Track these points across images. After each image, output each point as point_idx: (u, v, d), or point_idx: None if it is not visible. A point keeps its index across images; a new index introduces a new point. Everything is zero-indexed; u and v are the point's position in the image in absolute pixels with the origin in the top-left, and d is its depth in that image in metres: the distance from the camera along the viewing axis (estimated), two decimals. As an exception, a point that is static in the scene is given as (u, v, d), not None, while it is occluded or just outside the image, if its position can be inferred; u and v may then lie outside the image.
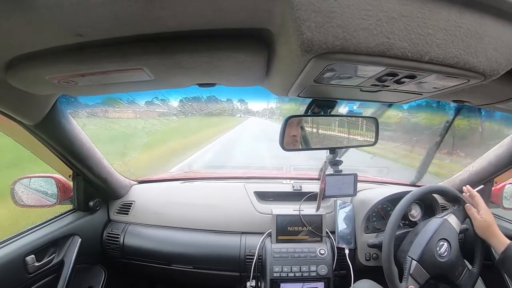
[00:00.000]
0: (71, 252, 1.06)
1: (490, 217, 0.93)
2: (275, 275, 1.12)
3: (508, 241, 0.89)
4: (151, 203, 1.33)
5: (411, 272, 0.91)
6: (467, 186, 1.00)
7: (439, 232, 0.95)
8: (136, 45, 0.50)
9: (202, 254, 1.20)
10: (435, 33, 0.39)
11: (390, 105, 1.08)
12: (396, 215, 0.97)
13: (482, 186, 1.03)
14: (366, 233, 1.20)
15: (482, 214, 0.94)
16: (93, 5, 0.38)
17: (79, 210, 1.18)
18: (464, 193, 1.01)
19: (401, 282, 0.91)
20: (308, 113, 0.82)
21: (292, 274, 1.12)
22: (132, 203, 1.31)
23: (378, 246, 1.09)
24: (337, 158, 1.02)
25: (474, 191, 0.98)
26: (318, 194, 1.12)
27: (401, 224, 1.20)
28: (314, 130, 0.92)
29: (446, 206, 1.29)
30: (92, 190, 1.18)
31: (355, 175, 1.22)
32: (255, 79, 0.67)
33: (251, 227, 1.24)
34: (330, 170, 1.21)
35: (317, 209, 1.17)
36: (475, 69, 0.45)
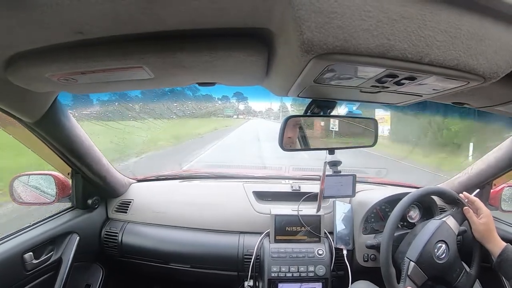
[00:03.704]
0: (69, 250, 1.06)
1: (490, 222, 0.93)
2: (273, 275, 1.12)
3: (504, 244, 0.89)
4: (150, 201, 1.33)
5: (408, 273, 0.91)
6: (464, 193, 1.00)
7: (438, 234, 0.95)
8: (136, 44, 0.50)
9: (200, 253, 1.20)
10: (435, 35, 0.39)
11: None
12: (395, 216, 0.97)
13: (478, 190, 1.03)
14: (364, 234, 1.20)
15: (482, 218, 0.94)
16: (93, 3, 0.38)
17: (78, 208, 1.18)
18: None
19: (398, 283, 0.91)
20: (308, 114, 0.82)
21: (290, 274, 1.12)
22: (130, 202, 1.31)
23: (376, 247, 1.09)
24: (337, 159, 1.02)
25: (472, 197, 0.98)
26: (319, 195, 1.12)
27: (400, 226, 1.20)
28: (314, 130, 0.92)
29: (444, 208, 1.29)
30: (90, 188, 1.18)
31: (354, 176, 1.22)
32: (255, 78, 0.67)
33: (249, 226, 1.24)
34: (328, 171, 1.21)
35: (318, 209, 1.18)
36: (475, 71, 0.45)
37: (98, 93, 0.95)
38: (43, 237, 0.98)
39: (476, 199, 0.97)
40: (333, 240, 1.20)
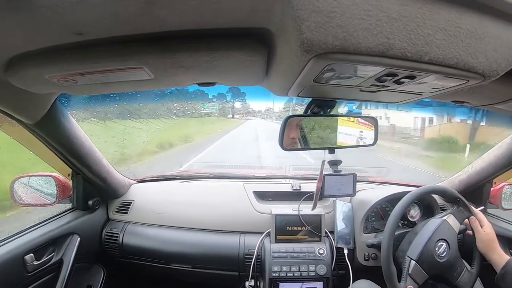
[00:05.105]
0: (70, 251, 1.06)
1: (492, 233, 0.96)
2: (274, 274, 1.12)
3: (508, 257, 0.91)
4: (150, 202, 1.33)
5: (409, 272, 0.91)
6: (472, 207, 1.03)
7: (438, 233, 0.95)
8: (136, 44, 0.50)
9: (201, 253, 1.20)
10: (435, 34, 0.39)
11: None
12: (395, 215, 0.97)
13: (483, 207, 1.07)
14: (365, 233, 1.20)
15: (485, 229, 0.97)
16: (93, 4, 0.38)
17: (78, 209, 1.18)
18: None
19: (399, 282, 0.91)
20: (308, 113, 0.82)
21: (291, 274, 1.12)
22: (131, 202, 1.31)
23: (377, 246, 1.09)
24: (336, 158, 1.02)
25: (476, 209, 1.02)
26: (315, 193, 1.12)
27: (400, 224, 1.20)
28: (314, 130, 0.92)
29: (445, 207, 1.29)
30: (91, 189, 1.18)
31: (354, 175, 1.22)
32: (255, 78, 0.67)
33: (250, 226, 1.24)
34: (329, 170, 1.21)
35: (313, 207, 1.17)
36: (475, 69, 0.45)
37: (98, 94, 0.95)
38: (44, 238, 0.98)
39: (479, 212, 1.00)
40: (333, 240, 1.20)
